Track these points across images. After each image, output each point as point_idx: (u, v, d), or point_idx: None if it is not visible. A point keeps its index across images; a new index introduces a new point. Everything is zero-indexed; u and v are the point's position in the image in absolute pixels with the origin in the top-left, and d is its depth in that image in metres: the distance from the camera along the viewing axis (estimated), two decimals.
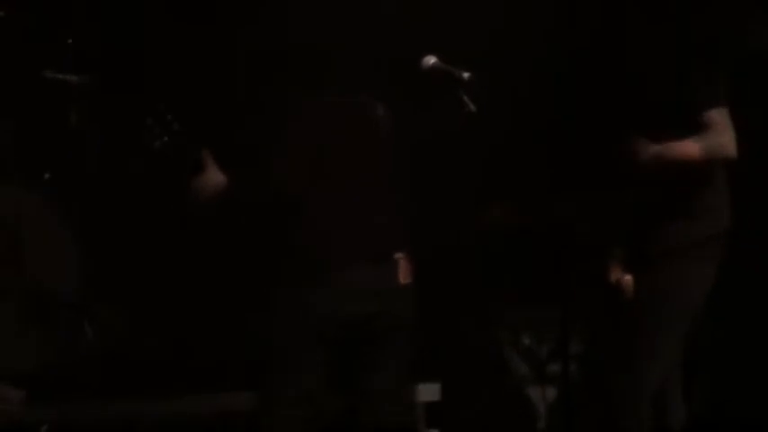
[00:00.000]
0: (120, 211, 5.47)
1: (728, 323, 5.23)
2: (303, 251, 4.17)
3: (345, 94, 4.26)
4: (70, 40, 5.20)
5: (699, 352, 4.43)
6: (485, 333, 5.60)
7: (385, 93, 4.57)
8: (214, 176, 4.20)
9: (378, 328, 4.17)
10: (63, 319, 4.91)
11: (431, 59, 4.01)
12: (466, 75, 3.94)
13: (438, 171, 5.48)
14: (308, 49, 4.33)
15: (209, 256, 5.53)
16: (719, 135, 4.04)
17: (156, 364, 5.18)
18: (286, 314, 4.16)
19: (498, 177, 5.54)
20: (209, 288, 5.51)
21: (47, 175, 5.07)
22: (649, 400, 4.10)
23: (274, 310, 4.19)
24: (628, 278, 4.16)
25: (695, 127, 4.05)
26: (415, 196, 4.68)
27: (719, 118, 4.05)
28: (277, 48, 4.69)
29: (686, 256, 4.09)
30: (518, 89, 5.42)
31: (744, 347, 5.39)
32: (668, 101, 4.11)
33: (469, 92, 3.93)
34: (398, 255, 4.22)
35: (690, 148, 4.06)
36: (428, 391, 5.17)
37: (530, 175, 5.37)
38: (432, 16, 5.43)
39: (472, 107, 3.91)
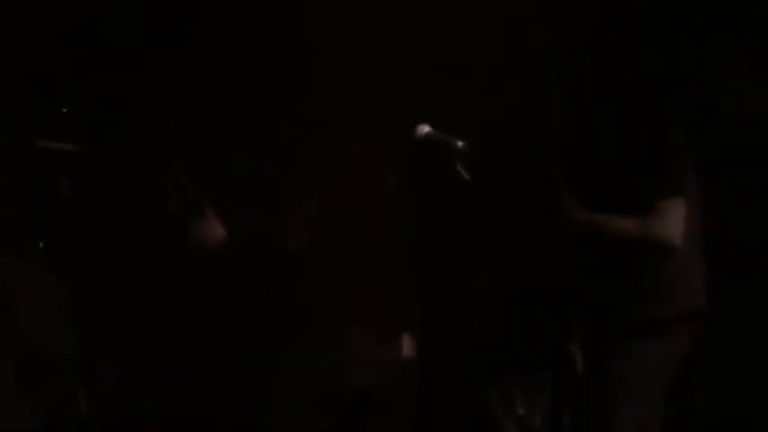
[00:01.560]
0: (117, 274, 5.47)
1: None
2: (312, 316, 4.17)
3: (357, 159, 4.30)
4: (65, 109, 5.21)
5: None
6: (479, 402, 5.57)
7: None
8: (214, 227, 4.22)
9: (378, 400, 4.16)
10: (57, 382, 4.88)
11: (424, 128, 4.03)
12: (460, 143, 3.95)
13: (430, 234, 5.48)
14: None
15: (207, 318, 5.51)
16: (664, 223, 4.03)
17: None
18: (292, 377, 4.15)
19: (491, 242, 5.55)
20: (207, 351, 5.49)
21: (40, 245, 5.05)
22: None
23: (280, 372, 4.18)
24: (576, 353, 4.19)
25: (645, 209, 4.05)
26: (417, 263, 4.69)
27: (670, 207, 4.04)
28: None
29: (643, 336, 4.08)
30: (511, 153, 5.44)
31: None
32: (625, 181, 4.12)
33: (463, 161, 3.94)
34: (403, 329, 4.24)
35: (626, 223, 4.06)
36: None
37: (523, 239, 5.38)
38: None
39: (466, 176, 3.92)
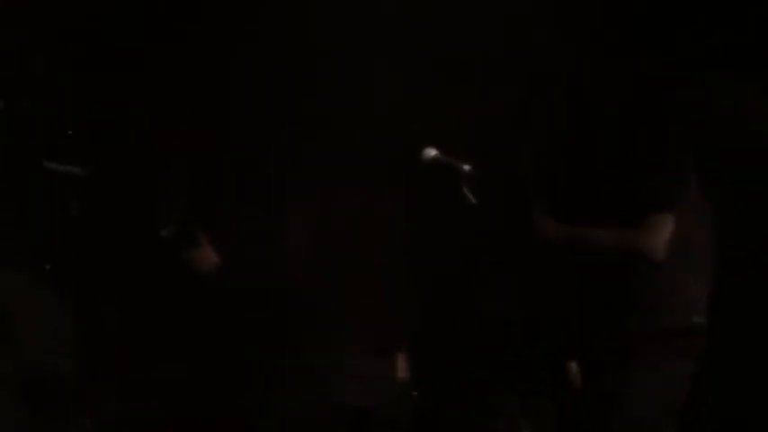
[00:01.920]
0: (117, 287, 5.47)
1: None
2: (313, 338, 4.21)
3: (354, 183, 4.34)
4: (71, 131, 5.22)
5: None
6: (483, 426, 5.57)
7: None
8: (209, 255, 4.26)
9: (375, 421, 4.19)
10: (57, 400, 4.88)
11: (431, 152, 4.03)
12: (466, 167, 3.96)
13: (438, 257, 5.49)
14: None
15: (210, 338, 5.50)
16: (649, 236, 4.02)
17: None
18: (291, 399, 4.18)
19: (499, 265, 5.55)
20: (210, 372, 5.47)
21: (47, 267, 5.06)
22: None
23: (279, 393, 4.21)
24: (573, 366, 4.19)
25: (633, 223, 4.04)
26: (415, 284, 4.69)
27: (659, 222, 4.02)
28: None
29: (637, 353, 4.07)
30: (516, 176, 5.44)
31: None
32: (616, 194, 4.11)
33: (470, 184, 3.95)
34: (398, 349, 4.27)
35: (604, 236, 4.05)
36: None
37: (529, 263, 5.38)
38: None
39: (473, 199, 3.93)
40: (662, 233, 4.01)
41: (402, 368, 4.33)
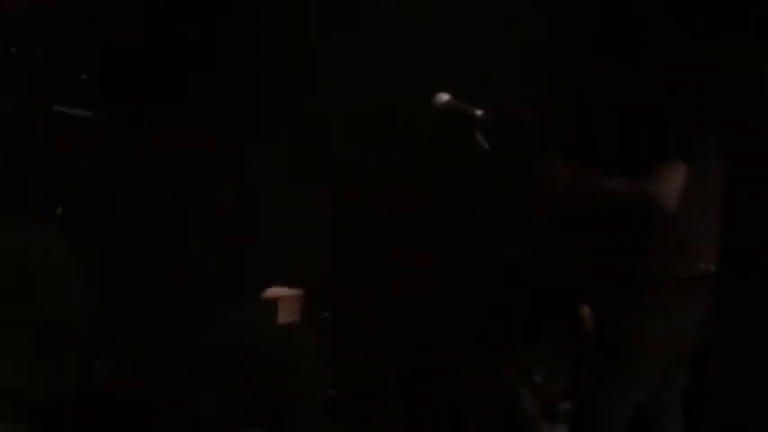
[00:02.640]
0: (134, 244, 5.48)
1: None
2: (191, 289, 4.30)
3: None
4: (84, 75, 5.21)
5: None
6: (496, 372, 5.58)
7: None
8: None
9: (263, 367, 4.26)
10: (74, 353, 4.90)
11: (444, 96, 3.99)
12: (479, 112, 3.92)
13: (452, 208, 5.49)
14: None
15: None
16: (658, 183, 3.97)
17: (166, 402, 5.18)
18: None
19: (513, 216, 5.53)
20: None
21: (59, 210, 5.07)
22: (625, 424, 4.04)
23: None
24: (585, 308, 4.17)
25: (642, 171, 3.99)
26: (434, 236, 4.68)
27: (667, 169, 3.98)
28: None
29: (648, 300, 4.04)
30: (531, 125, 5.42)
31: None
32: (633, 136, 4.08)
33: (483, 130, 3.91)
34: (281, 294, 4.33)
35: (615, 183, 4.01)
36: None
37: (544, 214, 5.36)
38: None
39: (486, 146, 3.89)
40: (673, 182, 3.97)
41: (285, 313, 4.39)
